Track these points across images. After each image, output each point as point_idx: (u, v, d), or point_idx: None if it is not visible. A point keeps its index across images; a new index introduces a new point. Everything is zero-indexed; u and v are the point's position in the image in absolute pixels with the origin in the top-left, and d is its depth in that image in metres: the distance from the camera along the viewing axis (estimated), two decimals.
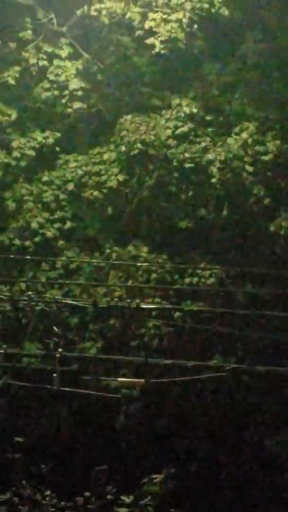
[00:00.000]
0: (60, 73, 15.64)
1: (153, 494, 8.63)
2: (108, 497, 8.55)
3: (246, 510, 14.79)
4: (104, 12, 15.10)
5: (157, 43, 15.05)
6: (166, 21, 15.06)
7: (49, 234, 15.19)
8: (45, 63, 15.71)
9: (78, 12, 15.38)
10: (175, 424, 14.67)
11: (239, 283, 15.04)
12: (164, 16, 15.11)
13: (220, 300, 14.82)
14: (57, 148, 15.68)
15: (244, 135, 15.14)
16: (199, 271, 14.95)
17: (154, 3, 15.21)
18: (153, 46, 15.14)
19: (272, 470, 14.89)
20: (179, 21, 15.07)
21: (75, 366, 13.91)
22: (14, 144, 15.47)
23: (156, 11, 15.14)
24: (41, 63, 15.69)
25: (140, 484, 8.60)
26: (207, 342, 14.71)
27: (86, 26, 15.64)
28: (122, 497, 8.40)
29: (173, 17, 15.09)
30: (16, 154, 15.42)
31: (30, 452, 9.41)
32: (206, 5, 15.12)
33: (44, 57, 15.72)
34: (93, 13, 15.17)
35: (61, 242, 15.29)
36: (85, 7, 15.22)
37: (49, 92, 15.64)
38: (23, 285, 14.88)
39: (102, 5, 15.08)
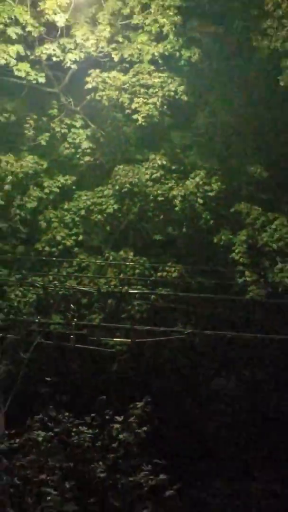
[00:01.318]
0: (75, 137, 15.73)
1: (137, 414, 8.68)
2: (107, 417, 8.57)
3: (197, 424, 14.88)
4: (104, 97, 15.10)
5: (140, 118, 15.07)
6: (146, 103, 15.07)
7: (68, 243, 15.28)
8: (66, 130, 15.76)
9: (88, 97, 15.40)
10: (151, 369, 14.78)
11: (193, 276, 15.10)
12: (144, 100, 15.10)
13: (180, 287, 14.81)
14: (74, 187, 15.73)
15: (197, 179, 15.19)
16: (167, 268, 14.99)
17: (137, 92, 15.16)
18: (137, 120, 15.13)
19: (215, 399, 15.04)
20: (154, 103, 15.08)
21: (84, 330, 13.98)
22: (45, 184, 15.48)
23: (139, 97, 15.11)
24: (63, 131, 15.74)
25: (128, 408, 8.66)
26: (173, 315, 14.75)
27: (93, 106, 15.60)
28: (116, 417, 8.45)
29: (150, 101, 15.07)
30: (46, 190, 15.49)
31: (56, 387, 9.47)
32: (172, 93, 15.19)
33: (65, 127, 15.76)
34: (98, 98, 15.17)
35: (76, 249, 15.42)
36: (92, 94, 15.24)
37: (68, 150, 15.76)
38: (51, 277, 14.90)
39: (104, 93, 15.06)
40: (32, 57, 15.18)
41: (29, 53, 15.15)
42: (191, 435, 14.66)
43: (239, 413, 14.84)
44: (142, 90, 15.10)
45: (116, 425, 8.35)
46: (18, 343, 12.82)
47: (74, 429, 8.26)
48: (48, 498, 7.56)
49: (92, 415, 8.45)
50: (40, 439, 8.17)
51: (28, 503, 7.60)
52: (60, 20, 14.95)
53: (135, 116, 15.08)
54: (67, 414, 8.46)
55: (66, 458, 8.03)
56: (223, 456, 14.74)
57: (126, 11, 15.25)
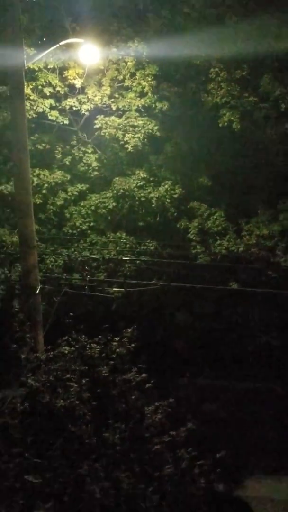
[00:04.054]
0: (88, 159, 15.56)
1: (128, 336, 8.59)
2: (109, 337, 8.47)
3: (167, 341, 14.83)
4: (106, 133, 15.00)
5: (129, 147, 14.95)
6: (133, 137, 14.93)
7: (84, 227, 15.16)
8: (81, 155, 15.58)
9: (96, 133, 15.26)
10: (137, 308, 14.68)
11: (164, 249, 15.02)
12: (132, 135, 14.96)
13: (155, 256, 14.77)
14: (87, 191, 15.54)
15: (166, 186, 15.09)
16: (147, 244, 14.91)
17: (128, 130, 15.03)
18: (127, 148, 15.00)
19: (177, 327, 14.97)
20: (138, 138, 14.94)
21: (95, 283, 13.96)
22: (69, 189, 15.36)
23: (129, 133, 14.96)
24: (80, 155, 15.56)
25: (122, 332, 8.63)
26: (150, 273, 14.60)
27: (99, 139, 15.43)
28: (115, 338, 8.42)
29: (136, 136, 14.91)
30: (69, 194, 15.36)
31: (76, 319, 9.29)
32: (150, 131, 14.95)
33: (81, 152, 15.59)
34: (102, 134, 15.07)
35: (89, 231, 15.25)
36: (99, 131, 15.11)
37: (83, 167, 15.57)
38: (72, 249, 14.76)
39: (106, 131, 14.99)
40: (59, 107, 15.02)
41: (58, 104, 14.98)
42: (163, 349, 14.66)
43: (193, 335, 14.86)
44: (131, 129, 15.01)
45: (115, 343, 8.30)
46: (52, 292, 12.80)
47: (88, 346, 8.21)
48: (71, 389, 7.60)
49: (99, 336, 8.40)
50: (66, 351, 8.14)
51: (58, 392, 7.62)
52: (78, 83, 14.80)
53: (126, 146, 14.99)
54: (83, 336, 8.38)
55: (83, 364, 8.03)
56: (185, 362, 14.77)
57: (120, 77, 15.07)
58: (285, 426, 13.99)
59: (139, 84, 15.00)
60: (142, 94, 15.16)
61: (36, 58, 12.06)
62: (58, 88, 14.82)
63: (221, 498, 10.12)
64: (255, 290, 13.74)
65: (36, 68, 14.47)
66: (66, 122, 15.17)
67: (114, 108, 15.11)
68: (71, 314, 9.03)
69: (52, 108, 14.91)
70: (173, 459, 7.30)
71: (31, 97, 14.56)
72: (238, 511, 10.76)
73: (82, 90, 15.03)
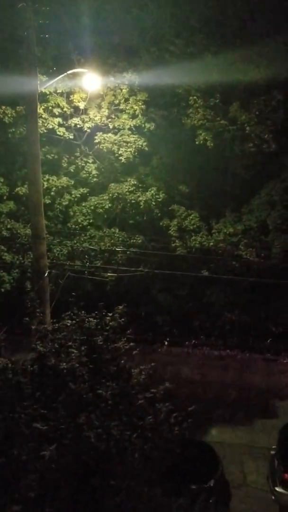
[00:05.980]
0: (89, 168, 15.38)
1: (119, 312, 8.46)
2: (103, 313, 8.30)
3: (149, 316, 14.68)
4: (104, 147, 14.80)
5: (123, 159, 14.75)
6: (126, 151, 14.74)
7: (84, 224, 15.00)
8: (83, 164, 15.40)
9: (96, 147, 15.04)
10: (127, 289, 14.48)
11: (149, 242, 14.90)
12: (125, 150, 14.75)
13: (142, 247, 14.67)
14: (88, 194, 15.38)
15: (152, 192, 14.94)
16: (135, 238, 14.79)
17: (122, 145, 14.80)
18: (121, 160, 14.80)
19: (158, 303, 14.78)
20: (130, 151, 14.73)
21: (93, 269, 13.90)
22: (73, 192, 15.18)
23: (123, 147, 14.75)
24: (82, 164, 15.38)
25: (114, 309, 8.49)
26: (138, 262, 14.51)
27: (98, 152, 15.21)
28: (108, 313, 8.29)
29: (128, 150, 14.73)
30: (73, 196, 15.19)
31: (77, 298, 9.03)
32: (140, 146, 14.70)
33: (83, 162, 15.41)
34: (101, 147, 14.86)
35: (89, 227, 15.09)
36: (98, 145, 14.90)
37: (85, 174, 15.37)
38: (75, 241, 14.66)
39: (104, 145, 14.79)
40: (66, 124, 14.84)
41: (64, 122, 14.80)
42: (147, 323, 14.60)
43: (171, 312, 14.77)
44: (124, 144, 14.81)
45: (108, 318, 8.15)
46: (58, 275, 12.73)
47: (86, 320, 8.08)
48: (72, 354, 7.56)
49: (96, 312, 8.30)
50: (68, 324, 8.02)
51: (62, 356, 7.58)
52: (81, 105, 14.63)
53: (120, 158, 14.80)
54: (83, 311, 8.24)
55: (82, 334, 7.99)
56: (164, 333, 14.68)
57: (116, 101, 14.89)
58: (242, 386, 14.12)
59: (132, 107, 14.85)
60: (134, 116, 15.01)
61: (47, 84, 12.02)
62: (65, 109, 14.63)
63: (190, 443, 10.18)
64: (222, 277, 13.86)
65: (47, 92, 14.29)
66: (71, 137, 15.01)
67: (111, 126, 14.94)
68: (73, 293, 8.87)
69: (60, 125, 14.73)
70: (154, 411, 7.33)
71: (43, 116, 14.37)
72: (203, 453, 10.85)
73: (85, 111, 14.86)
